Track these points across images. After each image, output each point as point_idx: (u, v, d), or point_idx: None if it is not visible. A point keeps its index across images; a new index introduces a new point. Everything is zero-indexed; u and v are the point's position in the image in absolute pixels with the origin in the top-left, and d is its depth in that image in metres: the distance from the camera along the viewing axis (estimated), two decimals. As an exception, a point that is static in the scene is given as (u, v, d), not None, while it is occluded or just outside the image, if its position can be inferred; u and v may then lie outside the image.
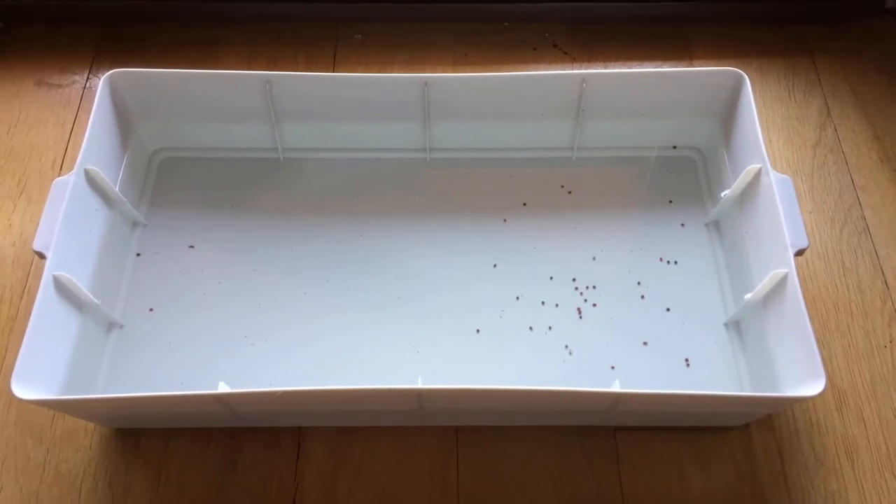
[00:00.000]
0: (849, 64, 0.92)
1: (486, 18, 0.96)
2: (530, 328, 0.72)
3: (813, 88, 0.90)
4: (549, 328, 0.72)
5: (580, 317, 0.73)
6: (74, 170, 0.68)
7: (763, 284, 0.66)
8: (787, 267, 0.63)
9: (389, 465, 0.67)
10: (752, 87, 0.73)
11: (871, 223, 0.79)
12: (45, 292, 0.62)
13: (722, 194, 0.74)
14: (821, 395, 0.57)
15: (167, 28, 0.95)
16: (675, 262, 0.76)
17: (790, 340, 0.62)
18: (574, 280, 0.75)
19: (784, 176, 0.68)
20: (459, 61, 0.93)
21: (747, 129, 0.72)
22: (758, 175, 0.70)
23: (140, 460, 0.67)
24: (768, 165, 0.68)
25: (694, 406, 0.64)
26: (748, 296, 0.68)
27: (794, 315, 0.62)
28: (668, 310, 0.73)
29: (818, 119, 0.87)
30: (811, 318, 0.60)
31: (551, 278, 0.75)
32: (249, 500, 0.65)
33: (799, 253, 0.64)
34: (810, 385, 0.58)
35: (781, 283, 0.64)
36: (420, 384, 0.60)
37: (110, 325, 0.72)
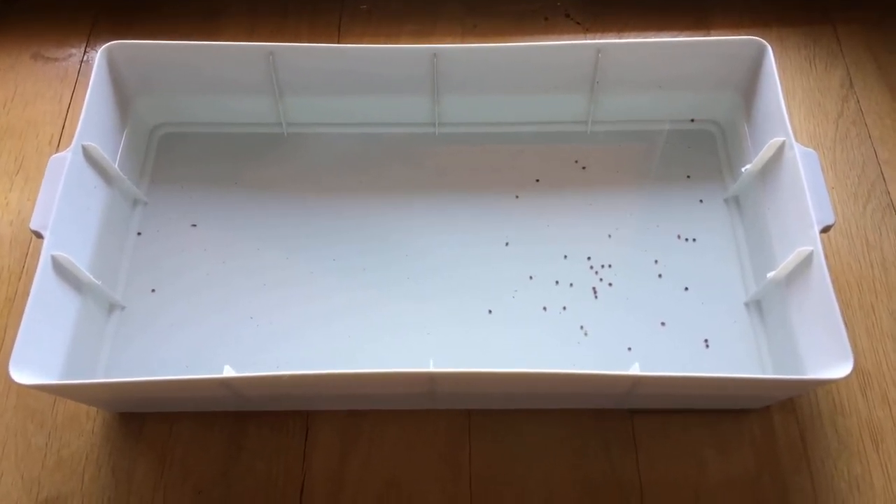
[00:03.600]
0: (871, 33, 0.88)
1: (495, -13, 0.93)
2: (544, 308, 0.70)
3: (835, 59, 0.87)
4: (564, 308, 0.70)
5: (595, 297, 0.71)
6: (72, 146, 0.65)
7: (787, 263, 0.63)
8: (813, 244, 0.61)
9: (400, 449, 0.65)
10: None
11: (895, 198, 0.77)
12: (43, 273, 0.60)
13: (743, 169, 0.71)
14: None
15: (166, -1, 0.92)
16: (694, 240, 0.73)
17: (815, 321, 0.60)
18: (589, 259, 0.73)
19: (809, 149, 0.65)
20: (469, 32, 0.90)
21: (770, 101, 0.70)
22: (781, 149, 0.67)
23: (143, 445, 0.65)
24: (792, 139, 0.66)
25: (715, 389, 0.62)
26: (771, 274, 0.65)
27: (820, 294, 0.59)
28: (686, 289, 0.71)
29: (840, 91, 0.84)
30: (834, 297, 0.58)
31: (565, 257, 0.73)
32: (256, 485, 0.64)
33: (825, 230, 0.62)
34: (837, 367, 0.56)
35: (806, 262, 0.62)
36: (432, 367, 0.58)
37: (111, 307, 0.70)
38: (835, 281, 0.71)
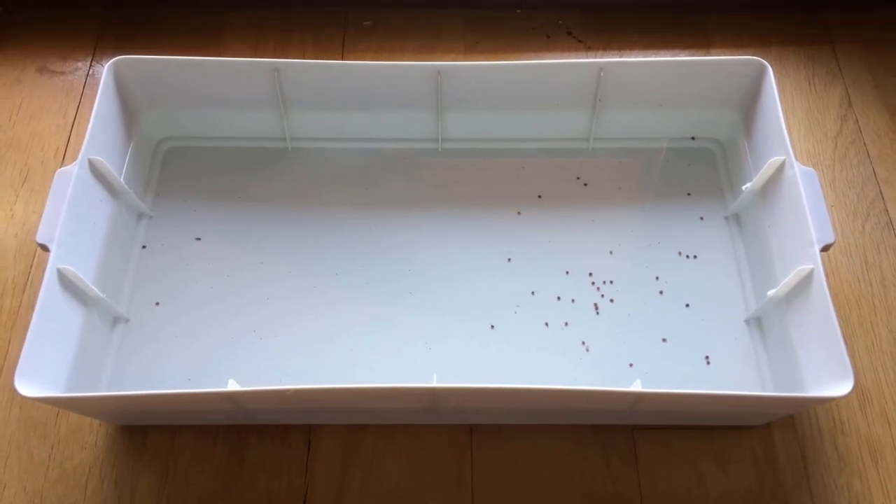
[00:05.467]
0: (870, 53, 0.90)
1: (498, 5, 0.94)
2: (546, 324, 0.71)
3: (834, 78, 0.87)
4: (566, 324, 0.71)
5: (597, 312, 0.71)
6: (78, 160, 0.66)
7: (787, 281, 0.64)
8: (813, 263, 0.62)
9: (402, 464, 0.65)
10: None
11: (894, 217, 0.77)
12: (48, 286, 0.61)
13: (743, 187, 0.72)
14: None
15: (171, 12, 0.93)
16: (695, 257, 0.74)
17: (815, 339, 0.61)
18: (590, 275, 0.73)
19: (809, 168, 0.66)
20: (471, 49, 0.91)
21: (770, 120, 0.70)
22: (781, 167, 0.68)
23: (146, 457, 0.65)
24: (792, 158, 0.66)
25: (716, 406, 0.62)
26: (771, 292, 0.66)
27: (821, 313, 0.60)
28: (687, 305, 0.71)
29: (839, 110, 0.85)
30: (833, 314, 0.59)
31: (567, 273, 0.73)
32: (258, 498, 0.64)
33: (825, 248, 0.62)
34: (837, 385, 0.56)
35: (806, 280, 0.62)
36: (435, 382, 0.58)
37: (116, 320, 0.70)
38: (834, 298, 0.71)
